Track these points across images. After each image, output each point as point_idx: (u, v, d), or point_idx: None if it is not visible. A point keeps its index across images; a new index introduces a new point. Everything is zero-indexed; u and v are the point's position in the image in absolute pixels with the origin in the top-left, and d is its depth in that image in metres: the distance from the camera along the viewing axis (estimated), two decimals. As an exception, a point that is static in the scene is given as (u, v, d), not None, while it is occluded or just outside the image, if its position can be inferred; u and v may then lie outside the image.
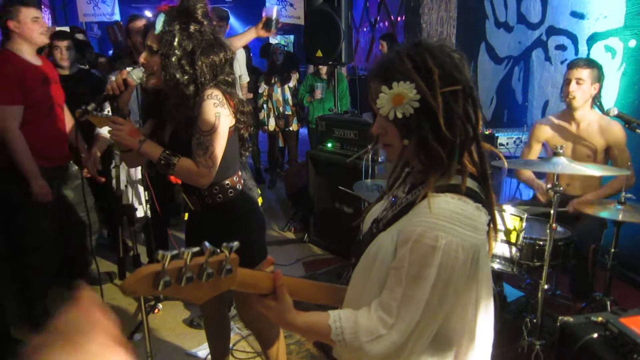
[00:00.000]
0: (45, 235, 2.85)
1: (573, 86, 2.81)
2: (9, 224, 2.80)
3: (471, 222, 0.98)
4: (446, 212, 0.98)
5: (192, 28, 1.74)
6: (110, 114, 1.89)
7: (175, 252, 0.85)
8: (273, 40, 6.58)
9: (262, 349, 2.22)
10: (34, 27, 2.69)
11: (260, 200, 2.86)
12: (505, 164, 1.32)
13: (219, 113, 1.75)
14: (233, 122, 1.85)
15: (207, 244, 0.89)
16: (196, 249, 0.87)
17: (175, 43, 1.71)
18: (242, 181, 1.99)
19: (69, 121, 3.02)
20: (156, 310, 3.15)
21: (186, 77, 1.73)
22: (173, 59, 1.71)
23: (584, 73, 2.78)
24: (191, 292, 0.90)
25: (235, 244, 0.93)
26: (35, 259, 2.86)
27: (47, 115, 2.80)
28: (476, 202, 1.01)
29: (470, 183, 1.03)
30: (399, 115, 1.02)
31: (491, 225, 1.06)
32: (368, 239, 1.13)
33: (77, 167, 3.13)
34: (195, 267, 0.89)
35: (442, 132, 1.01)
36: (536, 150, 3.13)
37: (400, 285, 0.99)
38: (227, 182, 1.90)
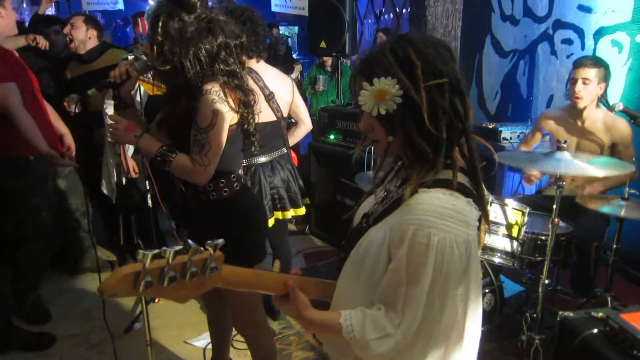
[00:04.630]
0: (44, 227, 2.82)
1: (579, 86, 2.75)
2: (7, 216, 2.73)
3: (462, 218, 0.97)
4: (437, 208, 0.97)
5: (180, 15, 1.61)
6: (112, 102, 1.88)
7: (156, 251, 0.81)
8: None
9: (253, 357, 2.14)
10: (14, 16, 2.70)
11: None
12: (496, 157, 1.30)
13: (217, 110, 1.64)
14: (235, 119, 1.75)
15: (190, 241, 0.86)
16: (178, 247, 0.84)
17: (159, 29, 1.60)
18: (241, 180, 1.90)
19: (49, 107, 2.95)
20: (157, 300, 3.15)
21: (168, 67, 1.62)
22: (155, 47, 1.62)
23: (591, 73, 2.72)
24: (174, 292, 0.87)
25: (220, 241, 0.91)
26: (31, 251, 2.83)
27: (32, 102, 2.71)
28: (467, 197, 1.00)
29: (460, 177, 1.02)
30: (382, 112, 1.00)
31: (482, 221, 1.05)
32: (358, 234, 1.11)
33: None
34: (179, 266, 0.85)
35: (426, 127, 0.99)
36: (537, 138, 3.18)
37: (401, 286, 0.99)
38: (222, 180, 1.81)
